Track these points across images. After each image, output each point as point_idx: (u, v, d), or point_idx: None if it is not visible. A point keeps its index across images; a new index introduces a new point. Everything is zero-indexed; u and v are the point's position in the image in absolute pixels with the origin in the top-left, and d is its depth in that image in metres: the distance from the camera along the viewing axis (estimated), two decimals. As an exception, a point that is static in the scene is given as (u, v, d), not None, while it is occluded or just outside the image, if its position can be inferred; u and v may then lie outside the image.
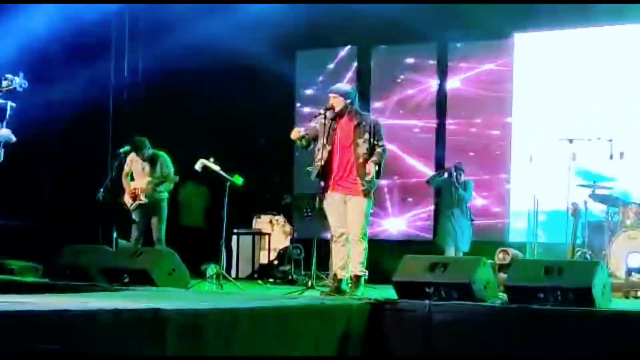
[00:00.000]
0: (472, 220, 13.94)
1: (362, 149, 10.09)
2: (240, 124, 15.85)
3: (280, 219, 15.26)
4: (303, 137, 10.26)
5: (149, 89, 16.44)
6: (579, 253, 12.09)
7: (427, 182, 14.41)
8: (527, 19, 14.70)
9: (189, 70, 15.47)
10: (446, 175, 13.92)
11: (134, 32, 16.57)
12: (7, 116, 8.19)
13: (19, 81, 8.30)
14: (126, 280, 10.95)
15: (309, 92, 16.39)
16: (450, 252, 13.43)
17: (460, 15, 14.82)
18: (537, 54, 14.95)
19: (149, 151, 12.98)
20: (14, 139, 8.27)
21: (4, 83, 8.21)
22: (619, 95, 14.20)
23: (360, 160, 10.07)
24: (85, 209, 14.09)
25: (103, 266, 11.38)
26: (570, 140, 12.52)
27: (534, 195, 13.48)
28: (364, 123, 10.18)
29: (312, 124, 10.36)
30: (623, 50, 14.28)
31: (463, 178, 13.90)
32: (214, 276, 11.69)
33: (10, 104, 8.27)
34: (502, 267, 11.88)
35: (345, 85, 10.53)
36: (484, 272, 9.37)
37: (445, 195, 13.99)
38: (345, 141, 10.17)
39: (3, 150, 8.18)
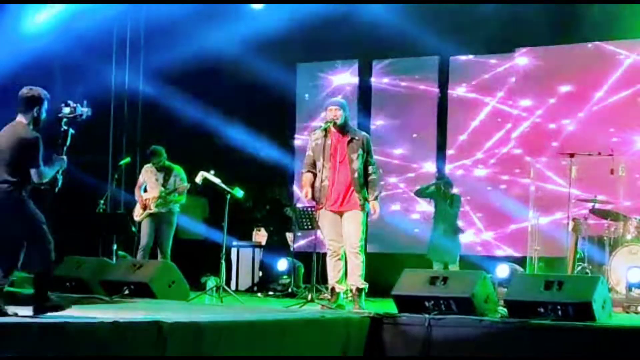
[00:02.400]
0: (461, 232, 13.93)
1: (357, 163, 10.11)
2: (240, 137, 15.84)
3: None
4: (313, 183, 10.29)
5: (150, 101, 16.42)
6: (579, 268, 12.08)
7: (415, 193, 14.39)
8: (528, 34, 14.70)
9: (189, 82, 15.48)
10: (433, 188, 13.93)
11: (135, 42, 16.55)
12: (68, 144, 8.31)
13: (83, 109, 8.46)
14: (126, 292, 10.95)
15: (309, 104, 16.38)
16: (439, 266, 13.36)
17: (462, 29, 14.82)
18: (538, 68, 14.96)
19: (165, 162, 12.95)
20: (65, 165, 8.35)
21: (67, 110, 8.34)
22: (619, 110, 14.21)
23: (356, 175, 10.09)
24: (85, 220, 14.07)
25: (103, 278, 11.39)
26: (571, 155, 12.52)
27: (535, 209, 13.48)
28: (356, 138, 10.20)
29: (309, 152, 10.35)
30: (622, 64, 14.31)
31: (451, 192, 13.87)
32: (214, 289, 11.68)
33: (71, 131, 8.37)
34: (502, 282, 11.86)
35: (340, 98, 10.57)
36: (484, 286, 9.36)
37: (434, 209, 13.97)
38: (340, 157, 10.19)
39: (62, 177, 8.30)
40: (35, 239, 8.05)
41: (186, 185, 12.86)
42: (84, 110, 8.46)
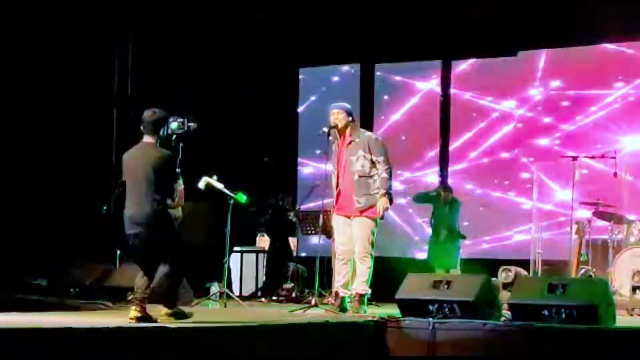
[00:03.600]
0: (463, 237, 13.93)
1: (357, 165, 10.12)
2: (242, 141, 15.84)
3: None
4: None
5: (152, 104, 16.37)
6: (583, 271, 12.07)
7: (413, 199, 14.38)
8: (530, 36, 14.69)
9: (191, 86, 15.49)
10: (433, 193, 13.93)
11: (137, 43, 16.53)
12: (180, 157, 8.73)
13: (190, 124, 8.87)
14: (129, 298, 10.93)
15: (311, 108, 16.38)
16: (440, 272, 13.35)
17: (464, 32, 14.82)
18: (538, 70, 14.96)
19: None
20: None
21: (175, 125, 8.73)
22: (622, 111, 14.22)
23: (355, 177, 10.10)
24: (89, 224, 14.06)
25: (107, 284, 11.38)
26: (574, 158, 12.52)
27: (538, 212, 13.47)
28: (357, 140, 10.20)
29: (334, 154, 10.39)
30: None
31: (450, 197, 13.87)
32: (218, 294, 11.67)
33: (181, 145, 8.80)
34: (505, 285, 11.85)
35: (346, 103, 10.57)
36: (487, 290, 9.35)
37: (434, 214, 13.96)
38: (343, 160, 10.22)
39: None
40: (172, 253, 8.51)
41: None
42: (191, 125, 8.89)
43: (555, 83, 14.79)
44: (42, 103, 14.48)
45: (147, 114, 8.57)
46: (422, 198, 14.13)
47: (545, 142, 14.75)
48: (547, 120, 14.84)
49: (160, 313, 8.31)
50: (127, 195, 8.53)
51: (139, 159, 8.52)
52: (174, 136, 8.71)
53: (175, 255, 8.50)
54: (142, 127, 8.61)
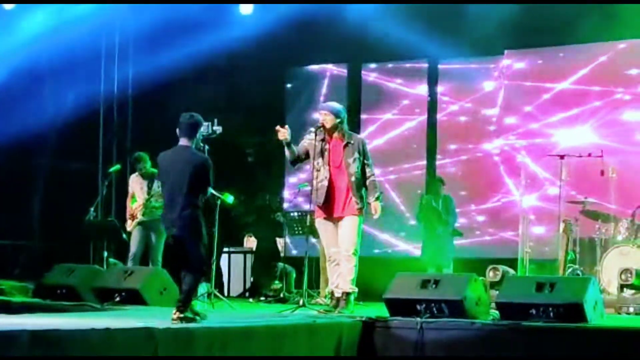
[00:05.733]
0: (459, 235, 13.95)
1: (353, 167, 10.11)
2: (229, 142, 15.79)
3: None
4: (290, 143, 10.23)
5: (140, 108, 16.37)
6: (570, 269, 12.08)
7: (418, 220, 14.36)
8: (517, 36, 14.70)
9: (178, 87, 15.46)
10: (422, 201, 13.96)
11: (123, 47, 16.50)
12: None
13: (215, 127, 9.44)
14: (117, 299, 10.92)
15: (298, 109, 16.36)
16: (432, 270, 13.36)
17: (451, 33, 14.81)
18: (527, 70, 14.98)
19: (149, 168, 12.88)
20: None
21: (202, 128, 8.94)
22: (609, 110, 14.24)
23: (353, 179, 10.09)
24: (75, 227, 14.03)
25: (94, 286, 11.35)
26: (562, 157, 12.53)
27: (525, 211, 13.49)
28: (352, 142, 10.20)
29: (302, 142, 10.37)
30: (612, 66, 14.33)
31: (442, 193, 13.87)
32: (206, 295, 11.65)
33: (207, 148, 9.18)
34: (493, 284, 11.86)
35: (337, 103, 10.54)
36: (475, 289, 9.36)
37: (428, 212, 13.96)
38: (335, 162, 10.19)
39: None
40: (198, 256, 8.62)
41: (160, 190, 12.80)
42: (216, 128, 9.42)
43: (546, 83, 14.82)
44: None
45: (186, 117, 8.76)
46: (422, 212, 14.14)
47: (532, 141, 14.77)
48: (536, 119, 14.87)
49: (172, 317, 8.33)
50: (164, 197, 8.81)
51: (174, 161, 8.70)
52: (201, 138, 8.93)
53: (200, 259, 8.63)
54: (177, 131, 8.78)
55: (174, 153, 8.78)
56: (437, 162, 15.51)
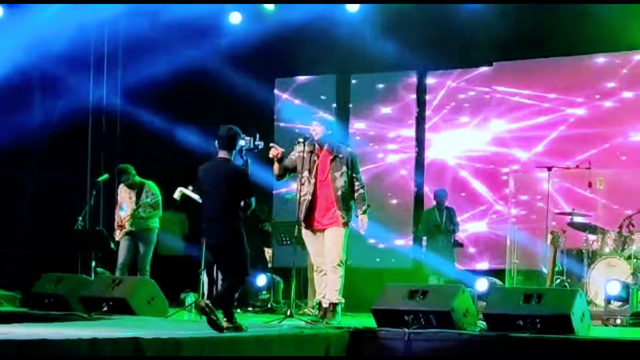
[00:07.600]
0: (460, 245, 14.01)
1: (340, 181, 10.14)
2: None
3: None
4: (282, 158, 10.26)
5: (128, 118, 16.34)
6: (557, 281, 12.11)
7: (419, 235, 14.42)
8: (505, 48, 14.74)
9: (168, 96, 15.46)
10: (423, 215, 14.03)
11: (113, 57, 16.49)
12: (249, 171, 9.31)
13: (257, 142, 9.54)
14: (105, 309, 10.90)
15: (288, 120, 16.35)
16: (433, 279, 13.42)
17: (439, 44, 14.86)
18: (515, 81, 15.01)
19: (135, 179, 12.89)
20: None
21: (243, 142, 9.23)
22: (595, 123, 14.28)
23: (339, 192, 10.11)
24: (64, 237, 14.01)
25: (82, 295, 11.33)
26: (549, 168, 12.57)
27: (513, 222, 13.53)
28: (340, 155, 10.21)
29: (291, 155, 10.39)
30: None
31: (445, 205, 13.97)
32: (193, 305, 11.62)
33: (250, 160, 9.45)
34: (481, 295, 11.88)
35: (327, 115, 10.59)
36: (463, 300, 9.38)
37: (429, 223, 14.01)
38: (322, 175, 10.21)
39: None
40: (239, 267, 8.91)
41: (148, 201, 12.81)
42: (258, 143, 9.55)
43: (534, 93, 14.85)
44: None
45: (224, 130, 8.93)
46: (422, 229, 14.18)
47: (519, 152, 14.81)
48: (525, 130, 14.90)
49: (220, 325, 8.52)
50: (203, 207, 8.95)
51: (214, 173, 8.90)
52: (243, 152, 9.20)
53: (238, 266, 8.84)
54: (216, 143, 8.96)
55: (212, 165, 9.00)
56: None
